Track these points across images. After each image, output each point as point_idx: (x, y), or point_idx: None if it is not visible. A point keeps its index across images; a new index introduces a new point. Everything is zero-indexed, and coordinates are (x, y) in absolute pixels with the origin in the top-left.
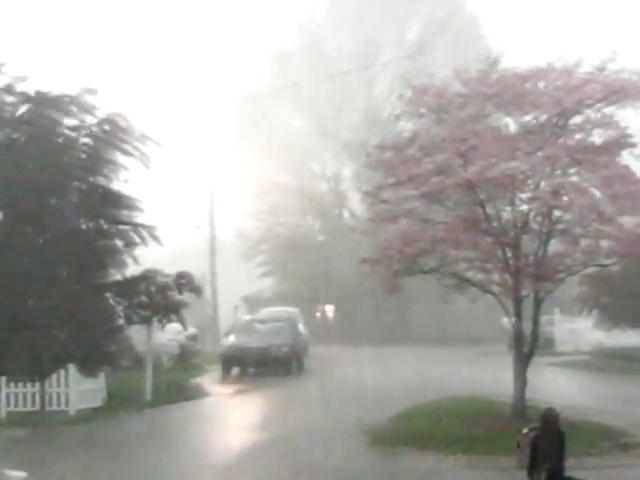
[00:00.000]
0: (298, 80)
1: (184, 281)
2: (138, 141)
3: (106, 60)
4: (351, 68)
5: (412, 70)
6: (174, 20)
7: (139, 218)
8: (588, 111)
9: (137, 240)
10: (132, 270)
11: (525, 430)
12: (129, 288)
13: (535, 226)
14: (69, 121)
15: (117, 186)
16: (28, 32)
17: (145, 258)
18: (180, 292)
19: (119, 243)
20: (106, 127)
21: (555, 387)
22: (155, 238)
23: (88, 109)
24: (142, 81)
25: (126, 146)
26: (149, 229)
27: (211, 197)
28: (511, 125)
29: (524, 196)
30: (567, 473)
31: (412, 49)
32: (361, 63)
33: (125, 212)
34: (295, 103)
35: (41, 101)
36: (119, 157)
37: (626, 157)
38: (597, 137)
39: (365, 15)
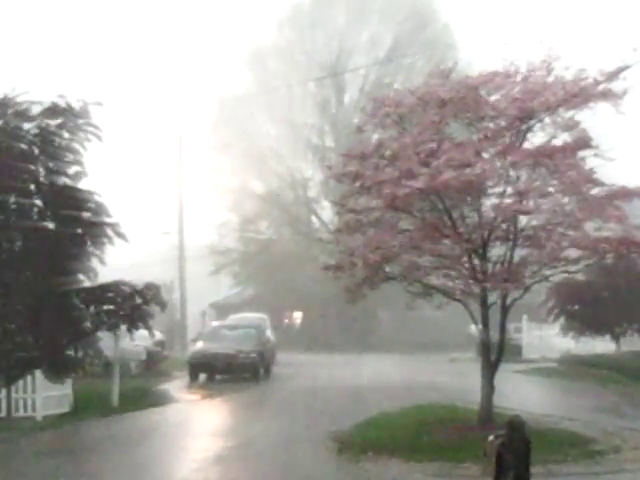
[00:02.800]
0: (270, 86)
1: (151, 293)
2: (82, 117)
3: (79, 62)
4: (322, 75)
5: (383, 78)
6: (148, 29)
7: (107, 218)
8: (550, 115)
9: (104, 240)
10: (104, 278)
11: (491, 437)
12: (98, 295)
13: (501, 232)
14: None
15: (83, 186)
16: None
17: (117, 264)
18: (147, 303)
19: (87, 246)
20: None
21: (523, 394)
22: (121, 235)
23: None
24: (115, 82)
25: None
26: (113, 226)
27: (180, 203)
28: (473, 133)
29: (489, 203)
30: None
31: (383, 57)
32: (332, 70)
33: (91, 212)
34: (267, 109)
35: None
36: (75, 143)
37: (592, 161)
38: (561, 141)
39: (338, 22)
